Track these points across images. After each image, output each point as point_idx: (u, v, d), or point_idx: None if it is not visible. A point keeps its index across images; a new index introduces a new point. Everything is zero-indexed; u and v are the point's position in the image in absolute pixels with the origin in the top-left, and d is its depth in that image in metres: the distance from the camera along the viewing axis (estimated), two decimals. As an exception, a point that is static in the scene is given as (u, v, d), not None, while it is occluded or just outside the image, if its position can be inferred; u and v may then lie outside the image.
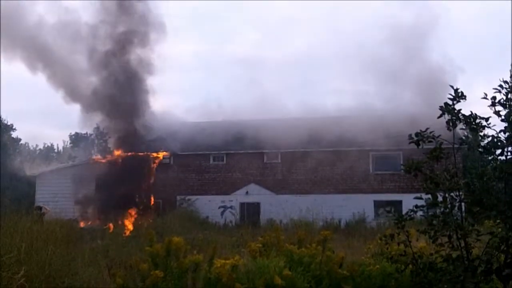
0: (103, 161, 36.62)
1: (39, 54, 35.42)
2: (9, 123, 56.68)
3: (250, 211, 36.15)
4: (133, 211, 32.71)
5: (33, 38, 34.64)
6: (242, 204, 36.91)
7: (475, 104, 6.57)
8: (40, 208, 30.37)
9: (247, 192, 37.01)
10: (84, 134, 59.14)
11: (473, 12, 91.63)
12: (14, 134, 58.28)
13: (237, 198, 37.06)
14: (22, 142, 60.40)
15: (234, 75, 75.10)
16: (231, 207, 36.92)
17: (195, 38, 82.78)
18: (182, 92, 74.08)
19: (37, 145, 61.95)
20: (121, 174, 33.39)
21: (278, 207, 34.35)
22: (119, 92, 34.83)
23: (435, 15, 69.19)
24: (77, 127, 41.87)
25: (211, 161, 38.46)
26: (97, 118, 36.64)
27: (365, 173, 36.29)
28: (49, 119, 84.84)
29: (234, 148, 37.26)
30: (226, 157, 38.17)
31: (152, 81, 36.64)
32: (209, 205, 36.70)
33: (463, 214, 6.19)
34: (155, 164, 37.31)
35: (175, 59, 53.47)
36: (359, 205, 33.94)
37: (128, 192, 33.44)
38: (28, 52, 35.58)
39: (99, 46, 35.18)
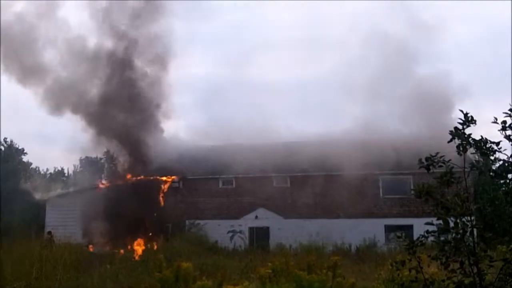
0: (113, 185, 36.65)
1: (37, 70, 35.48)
2: (20, 147, 57.00)
3: (259, 235, 35.91)
4: (142, 236, 32.65)
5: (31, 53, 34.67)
6: (251, 229, 36.68)
7: (480, 126, 6.52)
8: (50, 232, 30.55)
9: (256, 217, 36.82)
10: (94, 158, 59.30)
11: (478, 33, 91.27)
12: (25, 158, 58.55)
13: (246, 222, 36.85)
14: (32, 166, 60.61)
15: (225, 97, 73.78)
16: (240, 231, 36.70)
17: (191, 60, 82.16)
18: (181, 114, 73.79)
19: (47, 169, 62.17)
20: (130, 198, 33.43)
21: (288, 231, 34.13)
22: (129, 114, 35.04)
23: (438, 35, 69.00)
24: (87, 151, 42.27)
25: (220, 185, 38.34)
26: (107, 142, 36.78)
27: (375, 197, 36.03)
28: (59, 142, 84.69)
29: (243, 171, 37.11)
30: (235, 181, 38.07)
31: (161, 104, 36.50)
32: (218, 230, 36.46)
33: (475, 240, 6.11)
34: (164, 188, 37.30)
35: (176, 80, 53.58)
36: (369, 230, 33.61)
37: (137, 217, 33.44)
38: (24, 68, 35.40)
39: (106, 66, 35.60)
